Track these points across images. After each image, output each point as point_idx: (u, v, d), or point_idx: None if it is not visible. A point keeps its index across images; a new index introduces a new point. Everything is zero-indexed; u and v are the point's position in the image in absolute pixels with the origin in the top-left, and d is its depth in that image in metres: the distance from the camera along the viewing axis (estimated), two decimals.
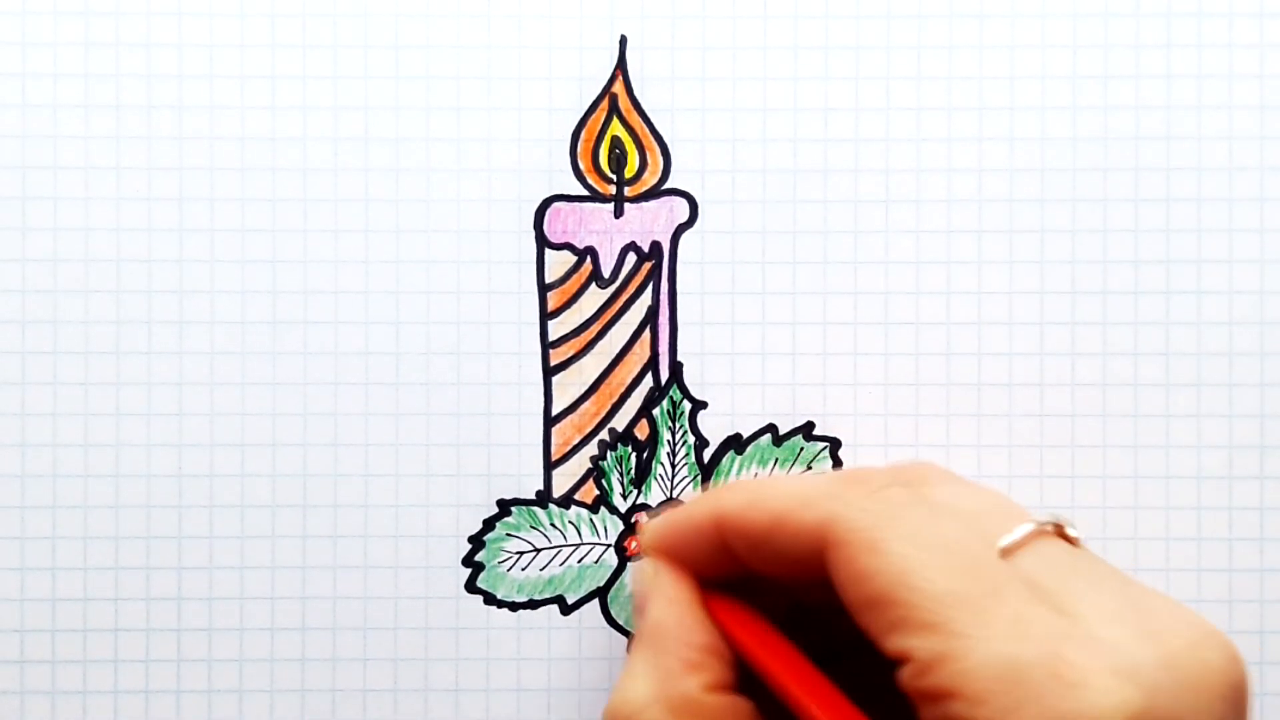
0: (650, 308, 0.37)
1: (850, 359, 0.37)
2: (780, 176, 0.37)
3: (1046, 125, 0.37)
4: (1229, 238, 0.37)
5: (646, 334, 0.37)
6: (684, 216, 0.37)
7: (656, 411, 0.37)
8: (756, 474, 0.37)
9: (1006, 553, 0.28)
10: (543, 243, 0.37)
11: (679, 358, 0.37)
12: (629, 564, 0.37)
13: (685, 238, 0.37)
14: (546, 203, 0.37)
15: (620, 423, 0.37)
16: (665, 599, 0.31)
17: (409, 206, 0.37)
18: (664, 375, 0.37)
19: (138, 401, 0.37)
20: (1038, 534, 0.28)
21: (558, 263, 0.37)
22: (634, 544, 0.37)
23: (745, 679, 0.30)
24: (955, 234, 0.37)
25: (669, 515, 0.32)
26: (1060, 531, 0.29)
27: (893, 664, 0.27)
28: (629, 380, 0.37)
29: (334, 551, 0.37)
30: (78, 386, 0.37)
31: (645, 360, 0.37)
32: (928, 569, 0.27)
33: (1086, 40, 0.37)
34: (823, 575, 0.29)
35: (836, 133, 0.37)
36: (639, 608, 0.31)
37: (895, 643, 0.27)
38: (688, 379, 0.37)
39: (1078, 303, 0.37)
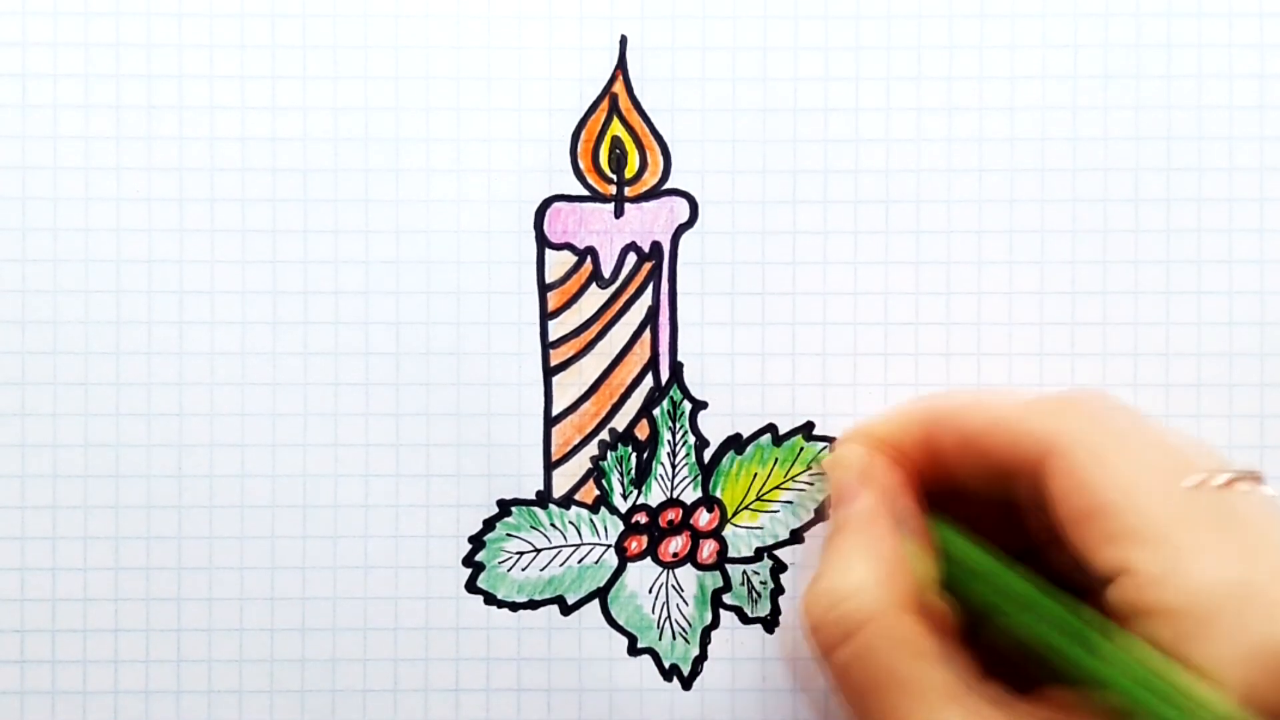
0: (650, 308, 0.37)
1: (850, 359, 0.37)
2: (780, 177, 0.37)
3: (1046, 125, 0.37)
4: (1229, 238, 0.37)
5: (646, 334, 0.37)
6: (684, 217, 0.37)
7: (657, 412, 0.37)
8: (756, 474, 0.37)
9: (1213, 485, 0.28)
10: (543, 243, 0.37)
11: (679, 358, 0.37)
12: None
13: (685, 238, 0.37)
14: (547, 203, 0.37)
15: (620, 423, 0.37)
16: (880, 487, 0.31)
17: (409, 207, 0.37)
18: (664, 375, 0.37)
19: (138, 402, 0.37)
20: (1243, 478, 0.29)
21: (558, 263, 0.37)
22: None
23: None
24: (955, 234, 0.37)
25: (876, 417, 0.32)
26: (1257, 477, 0.29)
27: (1091, 583, 0.27)
28: (629, 380, 0.37)
29: (334, 552, 0.37)
30: (78, 387, 0.37)
31: (645, 360, 0.37)
32: (1154, 488, 0.27)
33: (1086, 40, 0.37)
34: (1019, 488, 0.29)
35: (836, 133, 0.37)
36: (844, 496, 0.31)
37: (1116, 554, 0.27)
38: (688, 379, 0.37)
39: (1077, 303, 0.37)
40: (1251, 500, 0.28)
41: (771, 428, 0.37)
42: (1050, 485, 0.29)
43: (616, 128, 0.37)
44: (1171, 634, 0.26)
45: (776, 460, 0.37)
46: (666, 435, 0.37)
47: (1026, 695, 0.29)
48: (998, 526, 0.31)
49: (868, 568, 0.29)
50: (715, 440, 0.37)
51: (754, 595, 0.37)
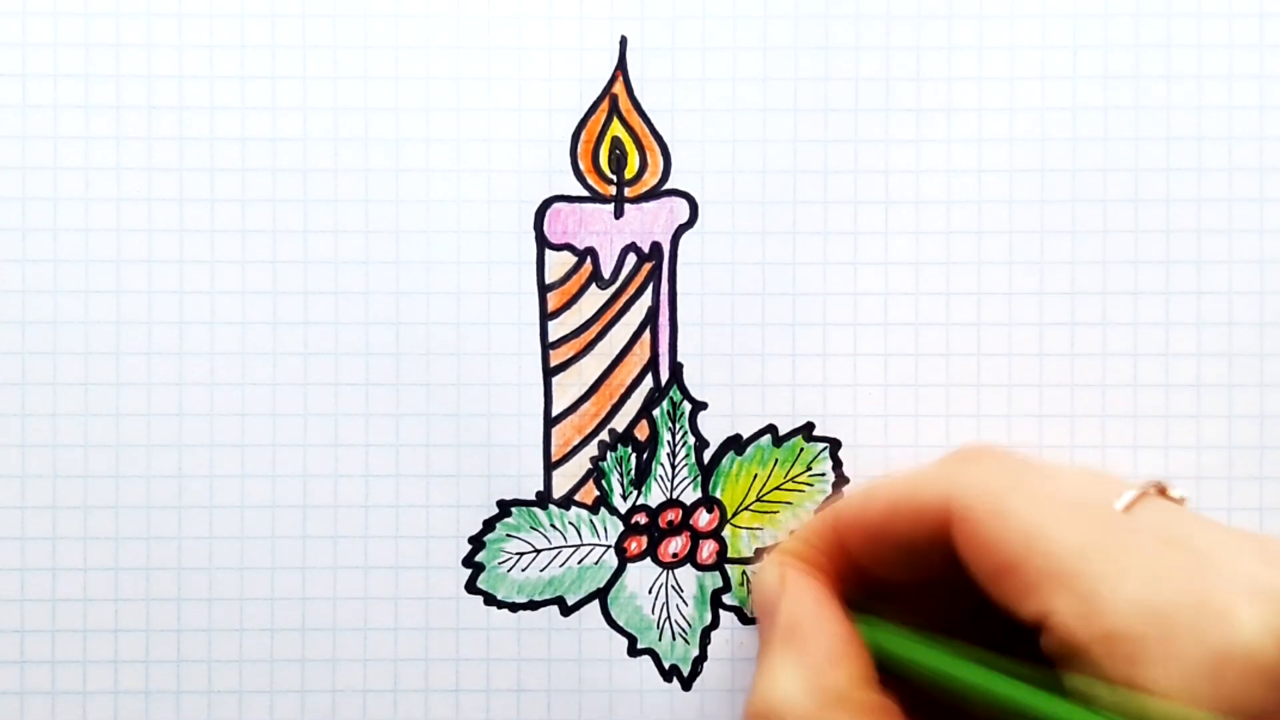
0: (650, 308, 0.37)
1: (850, 360, 0.37)
2: (780, 177, 0.37)
3: (1046, 126, 0.37)
4: (1229, 238, 0.37)
5: (646, 335, 0.37)
6: (684, 217, 0.37)
7: (656, 412, 0.37)
8: (756, 475, 0.37)
9: (1126, 506, 0.28)
10: (543, 243, 0.37)
11: (679, 358, 0.37)
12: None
13: (685, 238, 0.37)
14: (547, 203, 0.37)
15: (620, 423, 0.37)
16: (798, 596, 0.30)
17: (409, 207, 0.37)
18: (664, 376, 0.37)
19: (138, 402, 0.37)
20: (1146, 494, 0.29)
21: (558, 263, 0.37)
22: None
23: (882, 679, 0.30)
24: (955, 235, 0.37)
25: (789, 536, 0.32)
26: (1164, 491, 0.29)
27: (1026, 636, 0.27)
28: (629, 381, 0.37)
29: (334, 552, 0.37)
30: (78, 387, 0.37)
31: (645, 361, 0.37)
32: (1056, 527, 0.27)
33: (1086, 40, 0.37)
34: (940, 569, 0.29)
35: (836, 133, 0.37)
36: (766, 611, 0.31)
37: (1035, 605, 0.27)
38: (688, 379, 0.37)
39: (1077, 303, 0.37)
40: (1160, 512, 0.28)
41: (771, 428, 0.37)
42: (961, 551, 0.28)
43: (616, 128, 0.37)
44: (1111, 664, 0.26)
45: (776, 461, 0.37)
46: (666, 436, 0.37)
47: None
48: (947, 606, 0.31)
49: (794, 679, 0.29)
50: (715, 441, 0.37)
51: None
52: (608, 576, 0.37)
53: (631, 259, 0.37)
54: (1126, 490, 0.29)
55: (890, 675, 0.30)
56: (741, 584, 0.37)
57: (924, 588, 0.31)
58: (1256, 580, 0.26)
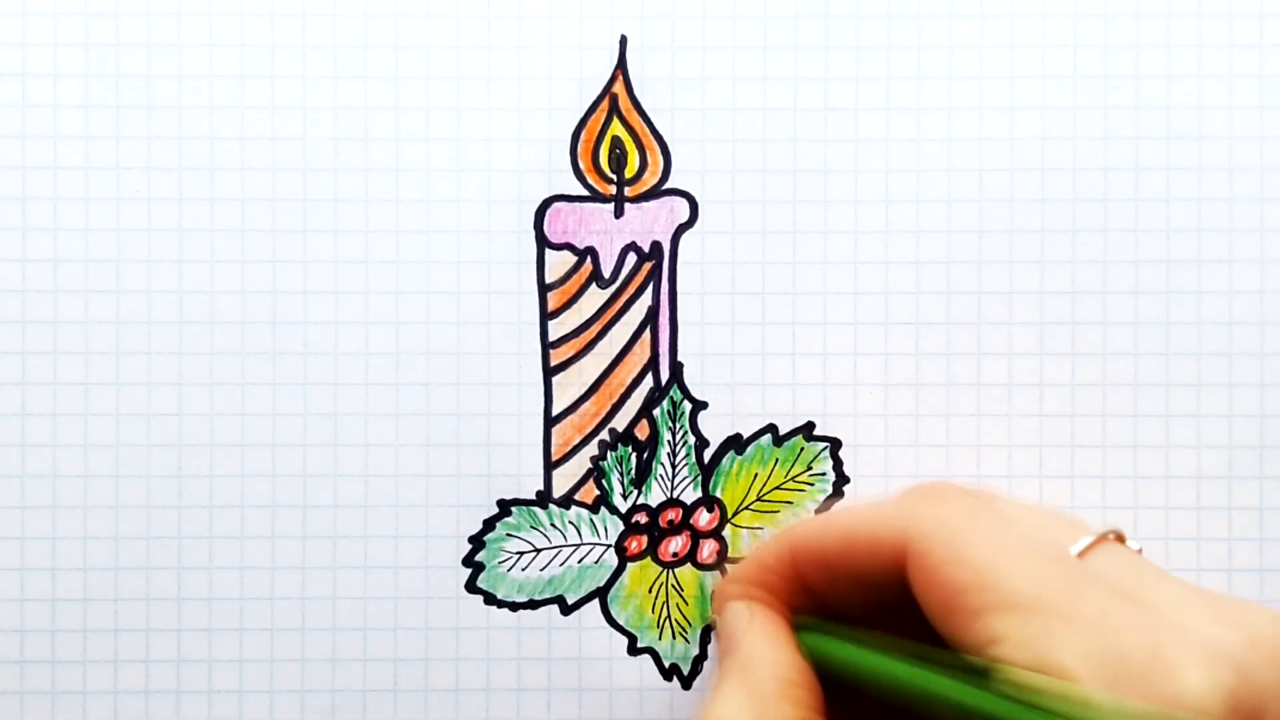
0: (650, 308, 0.37)
1: (850, 359, 0.37)
2: (780, 176, 0.37)
3: (1047, 125, 0.37)
4: (1229, 238, 0.37)
5: (646, 334, 0.37)
6: (684, 216, 0.37)
7: (657, 412, 0.37)
8: (756, 475, 0.37)
9: (1079, 556, 0.28)
10: (543, 243, 0.37)
11: (679, 358, 0.37)
12: (706, 584, 0.37)
13: (685, 238, 0.37)
14: (547, 203, 0.37)
15: (620, 423, 0.37)
16: (758, 633, 0.31)
17: (409, 206, 0.37)
18: (664, 375, 0.37)
19: (137, 402, 0.37)
20: (1103, 540, 0.29)
21: (558, 263, 0.37)
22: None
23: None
24: (955, 234, 0.37)
25: (746, 558, 0.32)
26: (1120, 539, 0.29)
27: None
28: (629, 380, 0.37)
29: (334, 552, 0.37)
30: (78, 387, 0.37)
31: (645, 360, 0.37)
32: (1011, 567, 0.27)
33: (1086, 40, 0.37)
34: (894, 599, 0.29)
35: (836, 133, 0.37)
36: (728, 646, 0.31)
37: (985, 626, 0.27)
38: (688, 379, 0.37)
39: (1077, 303, 0.37)
40: (1115, 560, 0.28)
41: (772, 428, 0.37)
42: (915, 586, 0.28)
43: (616, 127, 0.37)
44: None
45: (777, 460, 0.37)
46: (666, 435, 0.37)
47: None
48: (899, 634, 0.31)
49: (741, 707, 0.29)
50: (715, 440, 0.37)
51: None
52: (608, 576, 0.37)
53: (631, 258, 0.37)
54: (1083, 535, 0.29)
55: (841, 696, 0.30)
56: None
57: (877, 618, 0.31)
58: (1207, 638, 0.26)
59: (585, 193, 0.37)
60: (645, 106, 0.37)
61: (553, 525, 0.37)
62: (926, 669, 0.28)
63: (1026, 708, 0.26)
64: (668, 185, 0.37)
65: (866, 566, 0.30)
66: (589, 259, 0.37)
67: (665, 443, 0.37)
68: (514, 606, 0.37)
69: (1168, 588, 0.27)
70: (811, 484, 0.37)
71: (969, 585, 0.27)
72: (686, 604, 0.37)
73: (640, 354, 0.37)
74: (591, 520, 0.37)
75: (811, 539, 0.31)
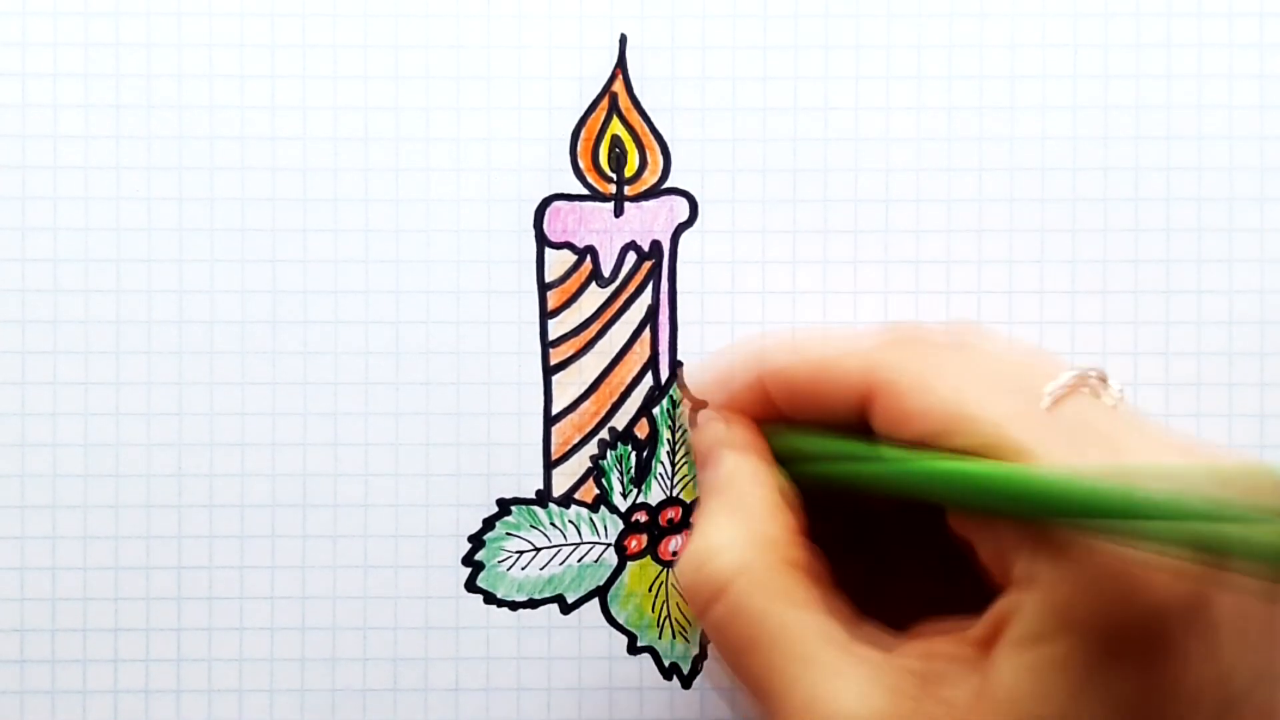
0: (650, 307, 0.37)
1: None
2: (780, 176, 0.37)
3: (1046, 124, 0.37)
4: (1229, 237, 0.37)
5: (646, 333, 0.37)
6: (684, 216, 0.37)
7: (656, 410, 0.37)
8: None
9: (1054, 398, 0.28)
10: (542, 242, 0.37)
11: (679, 357, 0.37)
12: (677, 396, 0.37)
13: (685, 237, 0.37)
14: (546, 202, 0.37)
15: (620, 422, 0.37)
16: (737, 449, 0.31)
17: (409, 206, 0.37)
18: (664, 374, 0.37)
19: (137, 401, 0.37)
20: (1081, 381, 0.28)
21: (557, 262, 0.37)
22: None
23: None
24: (955, 233, 0.37)
25: (711, 365, 0.32)
26: (1102, 379, 0.29)
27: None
28: (629, 379, 0.37)
29: (334, 551, 0.37)
30: (78, 386, 0.37)
31: (645, 359, 0.37)
32: (979, 405, 0.27)
33: (1086, 40, 0.37)
34: (863, 425, 0.29)
35: (836, 132, 0.37)
36: (704, 461, 0.31)
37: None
38: (688, 379, 0.37)
39: (1077, 302, 0.37)
40: (1090, 405, 0.28)
41: None
42: (879, 423, 0.28)
43: (616, 127, 0.37)
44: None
45: None
46: (666, 434, 0.37)
47: (903, 632, 0.29)
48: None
49: (733, 525, 0.29)
50: None
51: None
52: (608, 575, 0.37)
53: (631, 257, 0.37)
54: (1063, 374, 0.28)
55: (817, 510, 0.31)
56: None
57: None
58: (1176, 473, 0.25)
59: (585, 192, 0.37)
60: (645, 106, 0.37)
61: (552, 524, 0.37)
62: (913, 455, 0.28)
63: (1025, 477, 0.25)
64: (667, 184, 0.37)
65: (834, 399, 0.29)
66: (589, 258, 0.37)
67: (665, 441, 0.37)
68: (514, 606, 0.37)
69: (1141, 433, 0.27)
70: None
71: (933, 422, 0.27)
72: (687, 603, 0.37)
73: (640, 353, 0.37)
74: (591, 519, 0.37)
75: (782, 367, 0.31)
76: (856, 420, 0.29)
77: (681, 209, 0.37)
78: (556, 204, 0.37)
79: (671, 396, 0.37)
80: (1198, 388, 0.37)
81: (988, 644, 0.26)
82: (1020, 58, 0.37)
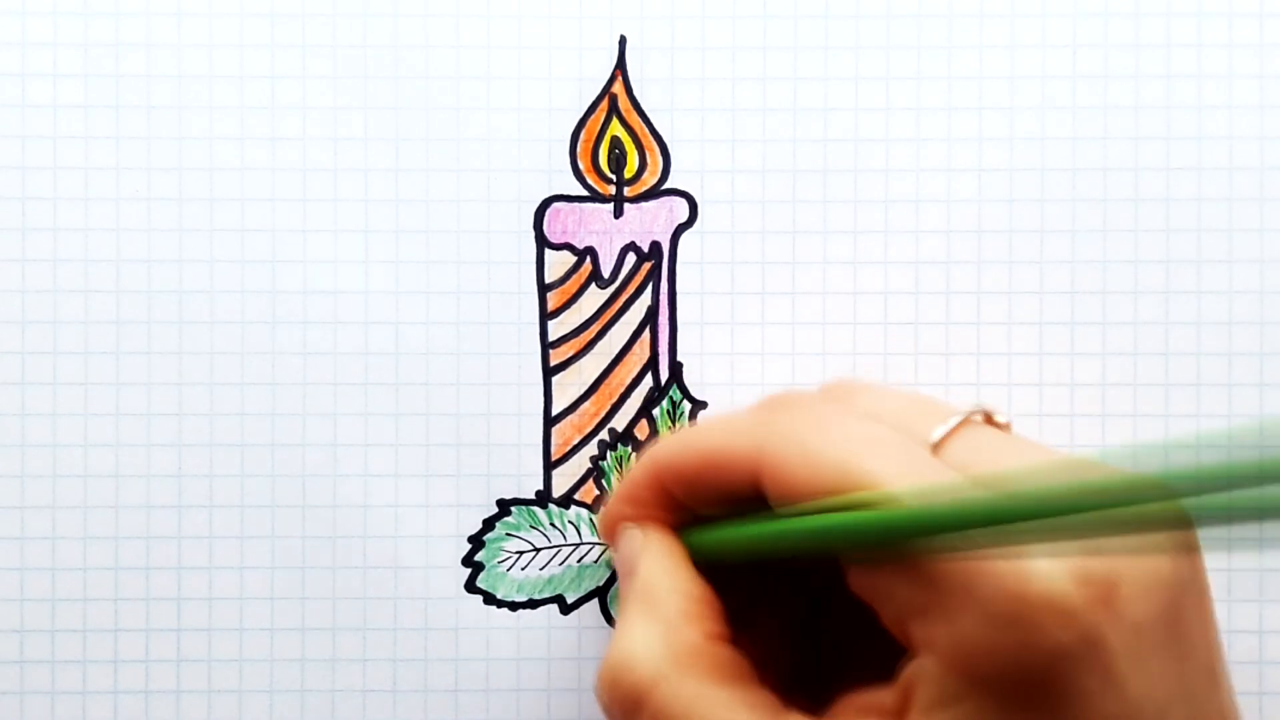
0: (650, 308, 0.37)
1: (850, 359, 0.37)
2: (780, 177, 0.37)
3: (1046, 125, 0.37)
4: (1229, 238, 0.37)
5: (646, 334, 0.37)
6: (683, 216, 0.37)
7: (656, 411, 0.37)
8: None
9: (938, 445, 0.28)
10: (542, 243, 0.37)
11: (679, 358, 0.37)
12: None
13: (685, 238, 0.37)
14: (546, 203, 0.37)
15: (620, 423, 0.37)
16: (654, 556, 0.31)
17: (408, 207, 0.37)
18: (664, 375, 0.37)
19: (137, 402, 0.37)
20: (966, 423, 0.28)
21: (557, 263, 0.37)
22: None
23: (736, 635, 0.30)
24: (954, 234, 0.37)
25: (620, 483, 0.32)
26: (988, 418, 0.29)
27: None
28: (629, 380, 0.37)
29: (333, 552, 0.37)
30: (77, 386, 0.37)
31: (645, 360, 0.37)
32: (866, 461, 0.27)
33: (1086, 40, 0.37)
34: (762, 508, 0.29)
35: (836, 133, 0.37)
36: (626, 572, 0.31)
37: None
38: (687, 379, 0.37)
39: (1077, 302, 0.37)
40: (977, 446, 0.28)
41: None
42: (770, 495, 0.28)
43: (616, 128, 0.37)
44: (909, 603, 0.26)
45: None
46: (666, 435, 0.37)
47: (830, 709, 0.29)
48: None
49: (648, 634, 0.29)
50: None
51: None
52: (607, 575, 0.37)
53: (631, 258, 0.37)
54: (946, 420, 0.28)
55: (740, 606, 0.31)
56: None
57: None
58: None
59: (585, 193, 0.37)
60: (645, 107, 0.37)
61: (552, 525, 0.37)
62: (820, 516, 0.28)
63: (932, 511, 0.26)
64: (667, 185, 0.37)
65: (727, 481, 0.29)
66: (588, 259, 0.37)
67: None
68: (513, 606, 0.37)
69: (1031, 459, 0.27)
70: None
71: (821, 487, 0.27)
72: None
73: (640, 354, 0.37)
74: (591, 520, 0.37)
75: (673, 458, 0.31)
76: (753, 498, 0.29)
77: (681, 210, 0.37)
78: (556, 205, 0.37)
79: (671, 398, 0.37)
80: (1197, 388, 0.37)
81: (901, 713, 0.26)
82: (1020, 58, 0.37)
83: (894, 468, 0.27)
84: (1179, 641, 0.26)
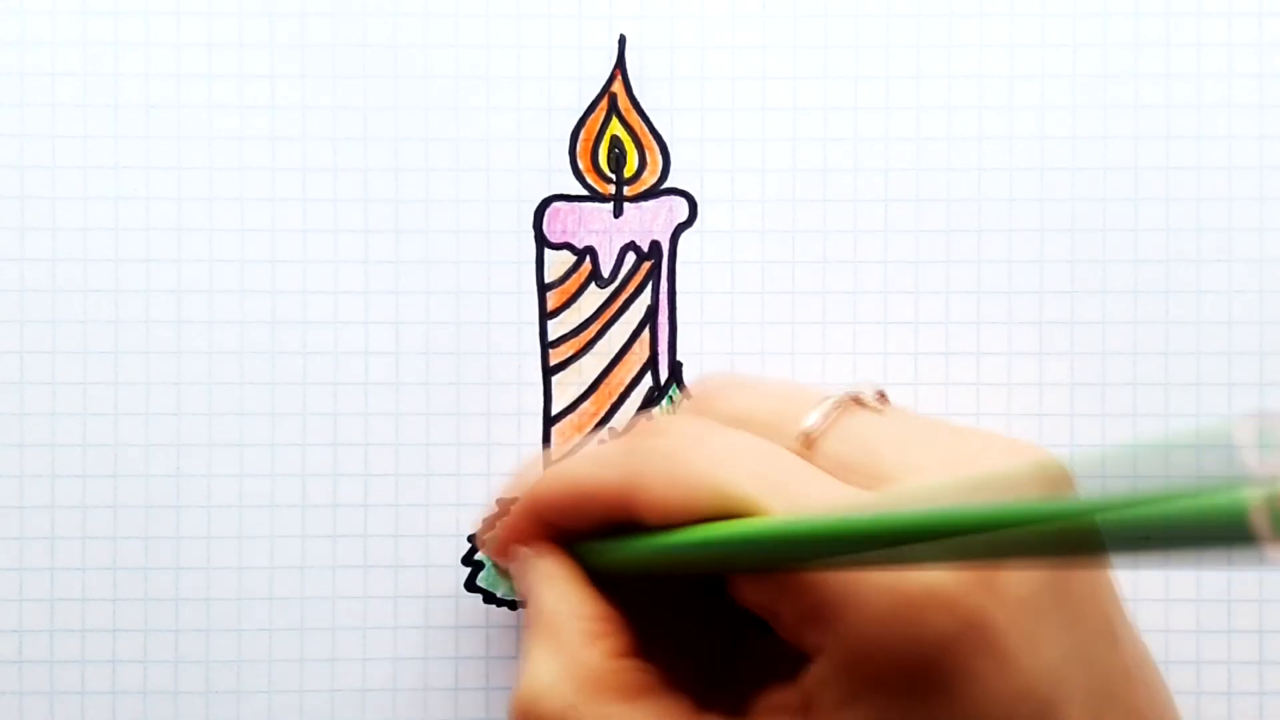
0: (650, 307, 0.37)
1: (849, 358, 0.37)
2: (779, 176, 0.37)
3: (1046, 124, 0.37)
4: (1228, 237, 0.37)
5: (646, 334, 0.37)
6: (683, 216, 0.37)
7: (656, 411, 0.37)
8: None
9: (809, 439, 0.28)
10: (542, 242, 0.37)
11: (678, 357, 0.37)
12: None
13: (685, 237, 0.37)
14: (546, 202, 0.37)
15: (620, 422, 0.37)
16: (549, 581, 0.30)
17: (408, 206, 0.37)
18: (663, 375, 0.37)
19: (136, 401, 0.37)
20: (836, 409, 0.28)
21: (557, 262, 0.37)
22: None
23: (645, 646, 0.30)
24: (954, 233, 0.37)
25: (492, 517, 0.32)
26: (858, 401, 0.28)
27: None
28: (628, 380, 0.37)
29: (333, 551, 0.37)
30: (76, 386, 0.37)
31: (645, 360, 0.37)
32: (736, 477, 0.27)
33: (1086, 39, 0.37)
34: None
35: (836, 132, 0.37)
36: (523, 597, 0.31)
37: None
38: (687, 379, 0.37)
39: (1076, 302, 0.37)
40: (850, 434, 0.28)
41: None
42: (648, 523, 0.28)
43: (615, 127, 0.37)
44: (794, 619, 0.26)
45: None
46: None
47: (748, 705, 0.28)
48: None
49: (552, 663, 0.29)
50: None
51: None
52: None
53: (631, 258, 0.37)
54: (814, 411, 0.28)
55: (644, 621, 0.30)
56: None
57: None
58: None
59: (584, 192, 0.37)
60: (644, 106, 0.37)
61: None
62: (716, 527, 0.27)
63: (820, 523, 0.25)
64: (667, 184, 0.37)
65: (601, 513, 0.29)
66: (588, 258, 0.37)
67: None
68: (513, 605, 0.37)
69: (901, 452, 0.27)
70: None
71: (697, 511, 0.27)
72: None
73: (639, 353, 0.37)
74: None
75: (543, 492, 0.30)
76: (633, 525, 0.29)
77: (681, 209, 0.37)
78: (556, 204, 0.37)
79: (671, 397, 0.37)
80: (1197, 388, 0.37)
81: (807, 711, 0.26)
82: (1019, 57, 0.37)
83: (765, 482, 0.26)
84: (1067, 608, 0.25)
